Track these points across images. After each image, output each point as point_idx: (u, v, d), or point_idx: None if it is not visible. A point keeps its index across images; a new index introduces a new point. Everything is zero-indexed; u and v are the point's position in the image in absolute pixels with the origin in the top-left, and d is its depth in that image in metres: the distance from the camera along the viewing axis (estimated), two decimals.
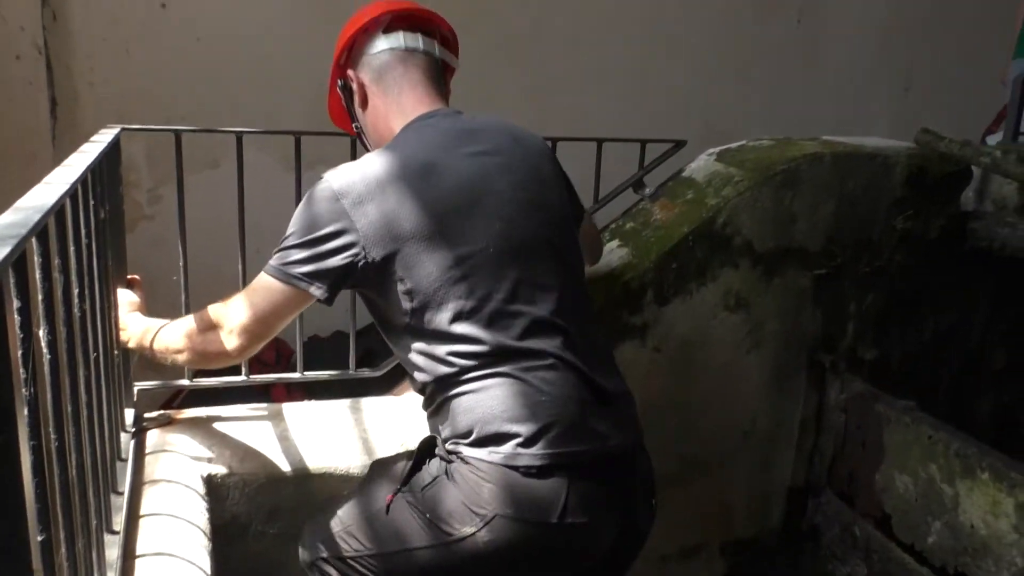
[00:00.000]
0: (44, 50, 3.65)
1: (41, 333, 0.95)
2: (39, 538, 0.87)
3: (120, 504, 1.54)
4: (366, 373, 2.23)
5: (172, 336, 1.58)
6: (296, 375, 2.19)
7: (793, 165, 2.24)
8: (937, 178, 2.40)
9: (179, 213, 1.99)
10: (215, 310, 1.51)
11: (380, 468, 1.57)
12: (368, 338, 2.08)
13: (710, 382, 2.32)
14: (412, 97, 1.58)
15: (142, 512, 1.60)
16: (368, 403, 2.18)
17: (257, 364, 2.18)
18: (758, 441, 2.43)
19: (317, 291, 1.41)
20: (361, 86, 1.63)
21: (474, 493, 1.33)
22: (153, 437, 1.91)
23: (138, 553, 1.47)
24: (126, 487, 1.62)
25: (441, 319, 1.39)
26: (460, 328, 1.39)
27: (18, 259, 0.78)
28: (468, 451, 1.36)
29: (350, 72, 1.63)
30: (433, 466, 1.41)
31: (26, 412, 0.80)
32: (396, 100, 1.59)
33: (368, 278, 1.42)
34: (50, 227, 0.99)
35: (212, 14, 3.95)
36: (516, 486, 1.32)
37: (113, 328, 1.63)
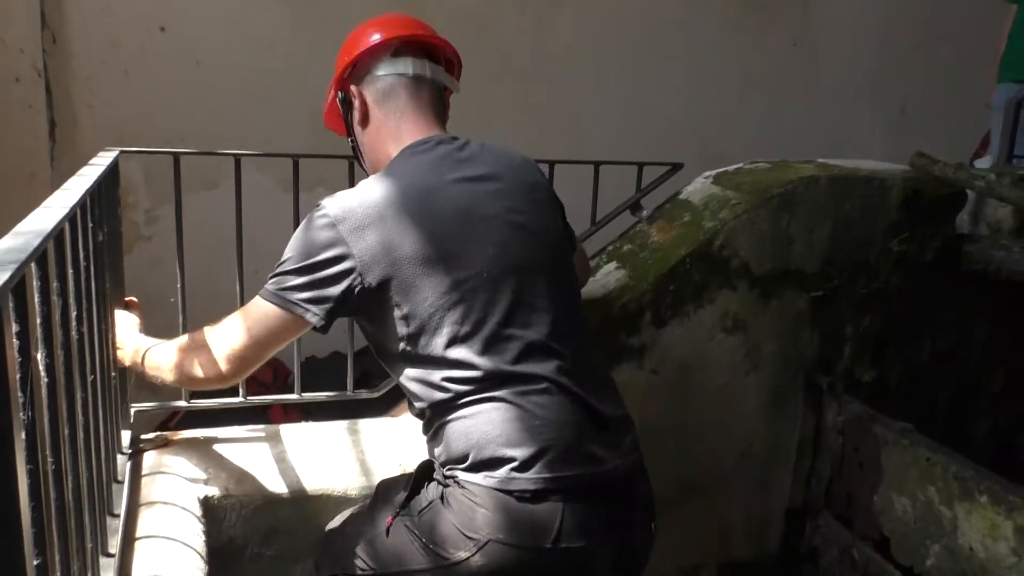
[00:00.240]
0: (44, 72, 3.68)
1: (39, 356, 0.95)
2: (35, 562, 0.87)
3: (116, 527, 1.53)
4: (364, 394, 2.23)
5: (164, 357, 1.58)
6: (293, 396, 2.19)
7: (790, 188, 2.26)
8: (932, 201, 2.41)
9: (177, 234, 2.00)
10: (209, 333, 1.51)
11: (384, 490, 1.58)
12: (366, 359, 2.08)
13: (708, 404, 2.32)
14: (412, 124, 1.59)
15: (138, 534, 1.59)
16: (366, 424, 2.17)
17: (254, 384, 2.18)
18: (756, 463, 2.43)
19: (314, 318, 1.41)
20: (364, 104, 1.63)
21: (467, 518, 1.33)
22: (150, 459, 1.90)
23: None
24: (122, 509, 1.61)
25: (436, 344, 1.40)
26: (455, 353, 1.39)
27: (17, 284, 0.79)
28: (464, 476, 1.36)
29: (353, 88, 1.63)
30: (430, 490, 1.42)
31: (23, 436, 0.80)
32: (396, 125, 1.60)
33: (365, 305, 1.42)
34: (49, 252, 0.99)
35: (211, 38, 3.98)
36: (510, 511, 1.32)
37: (110, 349, 1.63)
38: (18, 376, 0.79)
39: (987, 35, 4.33)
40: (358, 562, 1.47)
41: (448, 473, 1.39)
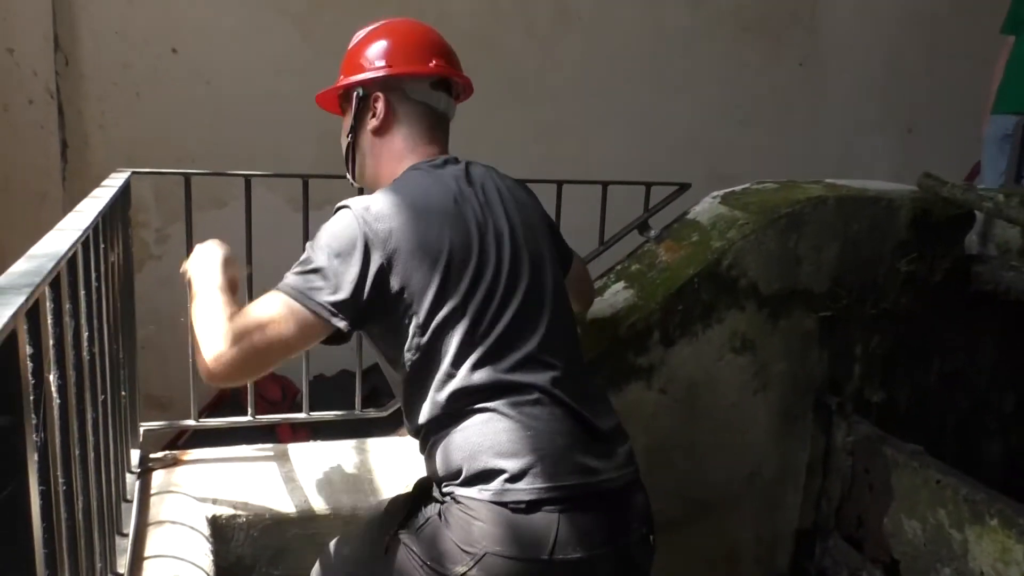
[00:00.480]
0: (56, 94, 3.71)
1: (51, 378, 0.95)
2: None
3: (125, 546, 1.53)
4: (372, 413, 2.23)
5: (200, 323, 1.44)
6: (302, 415, 2.20)
7: (797, 208, 2.26)
8: (940, 221, 2.41)
9: (187, 254, 2.00)
10: (236, 322, 1.40)
11: (384, 509, 1.58)
12: (374, 377, 2.08)
13: (716, 424, 2.31)
14: (423, 150, 1.62)
15: (147, 554, 1.59)
16: (374, 443, 2.18)
17: (263, 403, 2.18)
18: (765, 483, 2.42)
19: (340, 322, 1.38)
20: (388, 115, 1.62)
21: (464, 532, 1.33)
22: (158, 478, 1.91)
23: None
24: (131, 529, 1.61)
25: (443, 356, 1.41)
26: (455, 369, 1.40)
27: (32, 307, 0.79)
28: (460, 491, 1.36)
29: (379, 93, 1.61)
30: (428, 508, 1.43)
31: (36, 458, 0.80)
32: (412, 147, 1.62)
33: (382, 308, 1.42)
34: (62, 275, 1.00)
35: (221, 59, 4.01)
36: (506, 523, 1.32)
37: (121, 369, 1.63)
38: (32, 398, 0.80)
39: (994, 57, 4.32)
40: None
41: (445, 490, 1.40)
